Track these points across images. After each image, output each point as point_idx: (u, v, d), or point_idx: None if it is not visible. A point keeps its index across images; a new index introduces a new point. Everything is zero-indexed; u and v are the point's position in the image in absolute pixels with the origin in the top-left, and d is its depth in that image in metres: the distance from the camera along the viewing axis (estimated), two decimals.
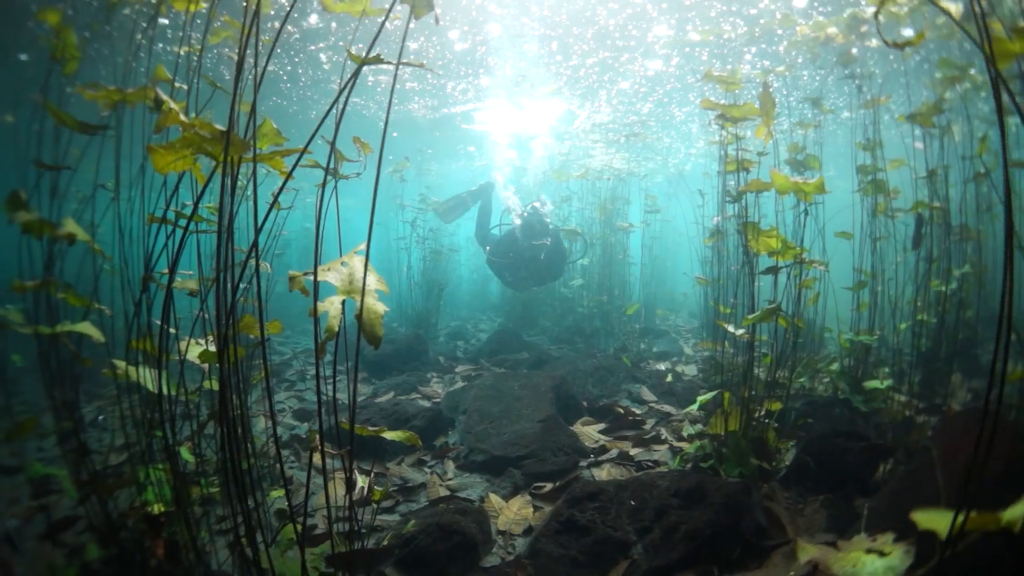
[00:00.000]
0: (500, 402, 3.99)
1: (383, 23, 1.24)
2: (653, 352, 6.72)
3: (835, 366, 4.30)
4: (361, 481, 1.98)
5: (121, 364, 1.62)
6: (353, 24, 6.06)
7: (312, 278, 1.29)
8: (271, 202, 1.29)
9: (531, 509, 2.85)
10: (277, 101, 8.82)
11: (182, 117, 1.07)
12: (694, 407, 3.23)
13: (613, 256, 7.96)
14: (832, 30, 5.09)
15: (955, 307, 3.99)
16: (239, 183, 1.49)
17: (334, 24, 6.03)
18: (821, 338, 5.05)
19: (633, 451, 3.54)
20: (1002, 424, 2.03)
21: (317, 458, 3.52)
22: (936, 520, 0.86)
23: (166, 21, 5.38)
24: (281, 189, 1.20)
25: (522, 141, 11.71)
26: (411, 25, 1.33)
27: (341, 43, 6.55)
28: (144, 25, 2.04)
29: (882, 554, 0.98)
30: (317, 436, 1.25)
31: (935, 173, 3.66)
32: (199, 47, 1.92)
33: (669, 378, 5.21)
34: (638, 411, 4.38)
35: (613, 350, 6.48)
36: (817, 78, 7.83)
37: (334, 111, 1.41)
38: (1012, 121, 3.93)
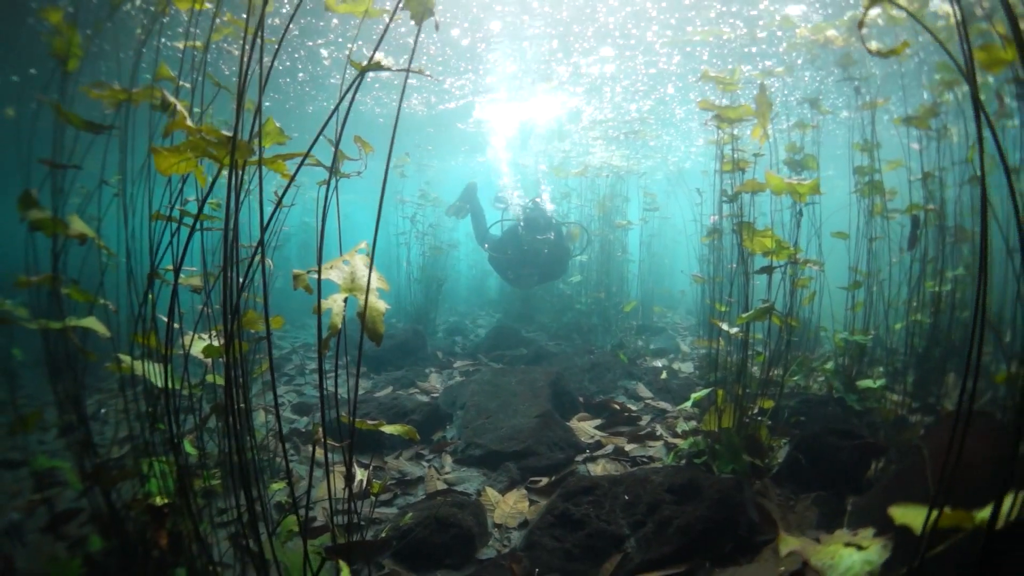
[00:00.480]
0: (497, 397, 4.04)
1: (384, 33, 1.27)
2: (650, 349, 6.76)
3: (830, 365, 4.35)
4: (360, 474, 2.02)
5: (126, 359, 1.65)
6: (355, 20, 6.08)
7: (314, 275, 1.32)
8: (276, 202, 1.32)
9: (527, 503, 2.89)
10: (275, 97, 8.83)
11: (189, 122, 1.10)
12: (688, 404, 3.27)
13: (611, 253, 7.99)
14: (832, 33, 5.10)
15: (949, 308, 4.03)
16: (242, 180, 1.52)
17: (335, 20, 6.05)
18: (816, 337, 5.10)
19: (628, 447, 3.58)
20: (992, 424, 2.07)
21: (316, 451, 3.56)
22: (912, 516, 0.90)
23: (166, 19, 5.40)
24: (285, 191, 1.23)
25: (522, 137, 11.72)
26: (411, 23, 1.35)
27: (341, 39, 6.56)
28: (145, 21, 2.06)
29: (860, 548, 1.02)
30: (320, 430, 1.29)
31: (930, 175, 3.69)
32: (199, 43, 1.94)
33: (664, 375, 5.26)
34: (634, 407, 4.42)
35: (610, 347, 6.52)
36: (817, 79, 7.85)
37: (338, 111, 1.44)
38: (1011, 123, 3.95)
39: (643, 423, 4.09)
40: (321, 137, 1.60)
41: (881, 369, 4.30)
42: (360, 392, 5.00)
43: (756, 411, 3.01)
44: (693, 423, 3.76)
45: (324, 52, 7.04)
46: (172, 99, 1.28)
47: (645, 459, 3.41)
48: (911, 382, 3.74)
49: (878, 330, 4.29)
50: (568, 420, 4.04)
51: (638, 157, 13.35)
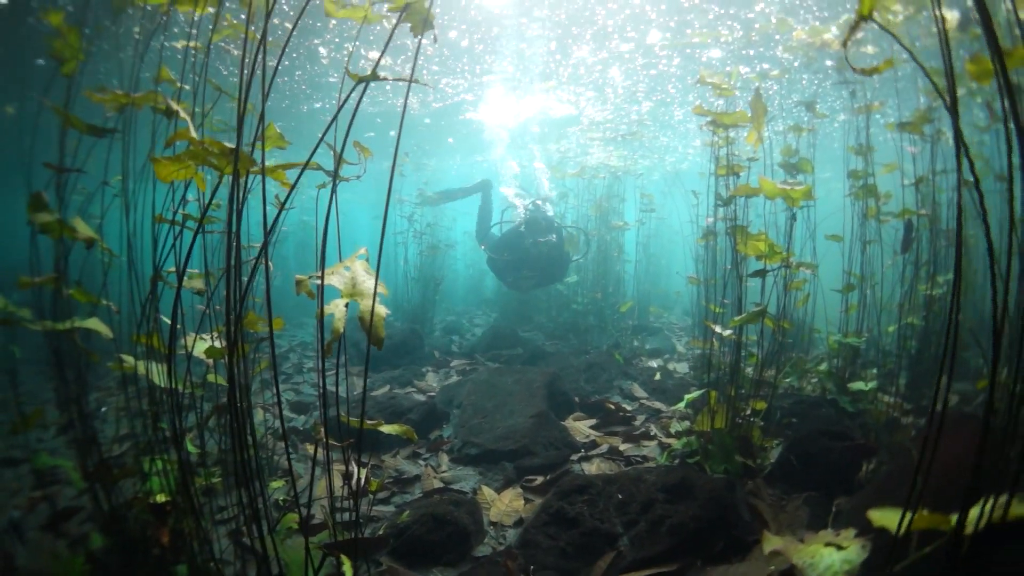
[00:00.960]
0: (494, 397, 4.07)
1: (384, 50, 1.30)
2: (646, 349, 6.80)
3: (823, 366, 4.39)
4: (358, 473, 2.05)
5: (129, 359, 1.68)
6: (353, 21, 6.09)
7: (310, 278, 1.36)
8: (279, 207, 1.35)
9: (522, 501, 2.93)
10: (270, 96, 8.86)
11: (193, 134, 1.13)
12: (682, 404, 3.31)
13: (608, 253, 8.03)
14: (828, 36, 5.16)
15: (943, 310, 4.07)
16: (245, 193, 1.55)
17: (333, 21, 6.07)
18: (810, 338, 5.14)
19: (623, 446, 3.62)
20: (979, 428, 2.12)
21: (312, 449, 3.59)
22: (889, 518, 0.94)
23: (164, 18, 5.40)
24: (287, 198, 1.26)
25: (520, 138, 11.75)
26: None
27: (338, 39, 6.57)
28: (143, 21, 2.09)
29: (840, 548, 1.05)
30: (322, 429, 1.32)
31: (922, 180, 3.74)
32: (197, 43, 1.97)
33: (658, 376, 5.29)
34: (629, 407, 4.46)
35: (606, 347, 6.56)
36: (815, 82, 7.89)
37: (340, 109, 1.47)
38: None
39: (638, 423, 4.13)
40: (318, 138, 1.63)
41: (874, 371, 4.35)
42: (357, 391, 5.03)
43: (749, 412, 3.05)
44: (687, 423, 3.80)
45: (323, 51, 7.05)
46: (176, 106, 1.31)
47: (639, 459, 3.45)
48: (903, 384, 3.78)
49: (871, 332, 4.34)
50: (564, 420, 4.08)
51: (635, 157, 13.39)
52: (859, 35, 5.20)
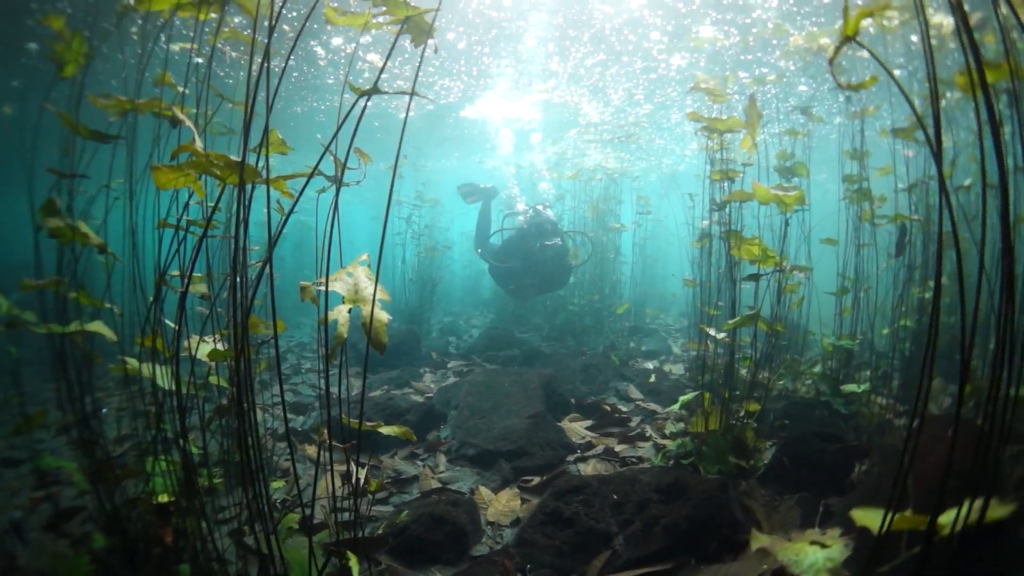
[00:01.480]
0: (491, 398, 4.10)
1: (386, 62, 1.33)
2: (642, 351, 6.84)
3: (817, 368, 4.43)
4: (358, 473, 2.08)
5: (133, 362, 1.71)
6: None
7: (313, 284, 1.39)
8: (284, 218, 1.38)
9: (519, 501, 2.96)
10: (263, 97, 8.87)
11: (198, 142, 1.16)
12: (676, 406, 3.35)
13: (604, 255, 8.07)
14: (824, 41, 5.20)
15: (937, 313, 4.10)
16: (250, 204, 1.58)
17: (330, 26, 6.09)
18: (804, 341, 5.19)
19: (618, 447, 3.66)
20: (971, 430, 2.16)
21: (312, 451, 3.62)
22: (871, 518, 0.97)
23: (162, 20, 5.41)
24: (292, 209, 1.29)
25: (519, 139, 11.78)
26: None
27: (335, 40, 6.60)
28: (140, 22, 2.11)
29: (824, 546, 1.09)
30: (325, 431, 1.36)
31: (915, 186, 3.78)
32: (195, 45, 2.00)
33: (652, 378, 5.33)
34: (625, 409, 4.50)
35: (602, 348, 6.60)
36: (813, 86, 7.94)
37: (344, 121, 1.50)
38: (1005, 130, 4.04)
39: (633, 424, 4.16)
40: (316, 141, 1.66)
41: (868, 373, 4.39)
42: (355, 392, 5.05)
43: (743, 414, 3.09)
44: (681, 425, 3.84)
45: (320, 52, 7.08)
46: (181, 115, 1.35)
47: (634, 459, 3.48)
48: (897, 386, 3.82)
49: (865, 335, 4.38)
50: (560, 421, 4.11)
51: (632, 159, 13.44)
52: (863, 28, 5.25)
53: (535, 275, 6.47)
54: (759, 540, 1.25)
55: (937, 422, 2.42)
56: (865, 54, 6.08)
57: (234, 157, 1.36)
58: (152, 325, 1.61)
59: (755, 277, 2.77)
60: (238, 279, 1.27)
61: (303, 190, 1.31)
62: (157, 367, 1.69)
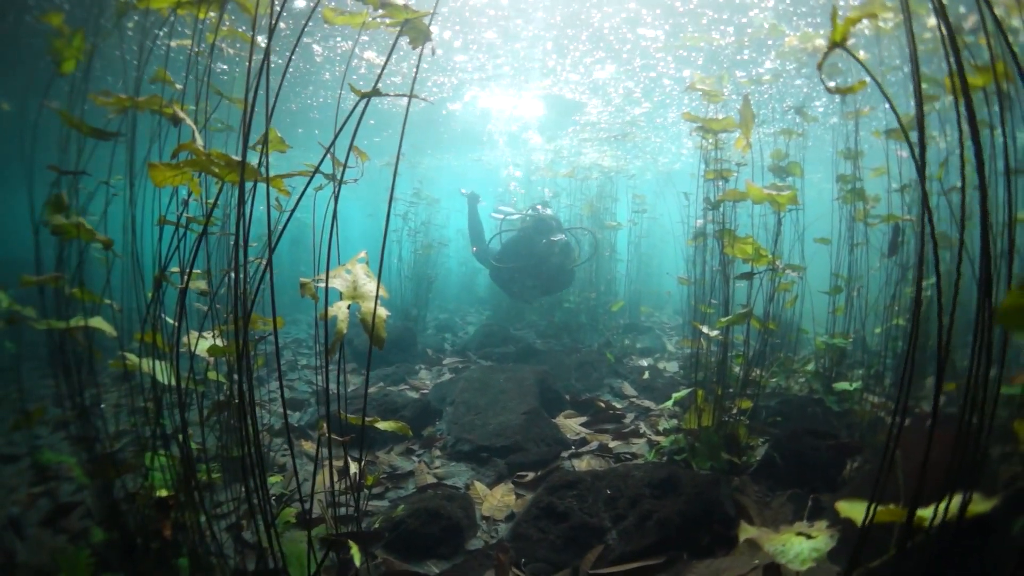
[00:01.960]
0: (486, 394, 4.13)
1: (385, 64, 1.35)
2: (636, 348, 6.88)
3: (810, 366, 4.47)
4: (353, 468, 2.11)
5: (133, 358, 1.73)
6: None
7: (312, 281, 1.41)
8: (286, 218, 1.40)
9: (513, 496, 2.99)
10: (261, 95, 8.85)
11: (200, 143, 1.17)
12: (670, 403, 3.38)
13: (600, 253, 8.09)
14: (819, 42, 5.23)
15: (930, 312, 4.14)
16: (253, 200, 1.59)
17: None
18: (798, 339, 5.23)
19: (612, 444, 3.69)
20: (951, 426, 2.20)
21: (308, 446, 3.64)
22: (855, 510, 1.00)
23: (162, 15, 5.40)
24: (295, 208, 1.32)
25: (517, 138, 11.79)
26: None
27: (337, 35, 6.60)
28: (137, 18, 2.12)
29: (810, 537, 1.12)
30: (324, 425, 1.38)
31: (907, 188, 3.83)
32: (189, 42, 2.01)
33: (646, 375, 5.36)
34: (619, 405, 4.54)
35: (597, 345, 6.63)
36: (809, 85, 7.97)
37: (344, 124, 1.52)
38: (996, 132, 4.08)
39: (627, 421, 4.20)
40: (311, 137, 1.68)
41: (861, 371, 4.44)
42: (350, 388, 5.08)
43: (735, 411, 3.12)
44: (675, 421, 3.87)
45: (317, 48, 7.07)
46: (181, 114, 1.36)
47: (628, 455, 3.52)
48: (889, 384, 3.86)
49: (858, 333, 4.42)
50: (554, 417, 4.14)
51: (629, 157, 13.47)
52: (858, 31, 5.27)
53: (540, 274, 6.29)
54: (747, 531, 1.28)
55: (924, 421, 2.46)
56: (861, 54, 6.12)
57: (234, 156, 1.38)
58: (152, 321, 1.62)
59: (748, 275, 2.81)
60: (240, 276, 1.28)
61: (304, 191, 1.33)
62: (156, 363, 1.71)
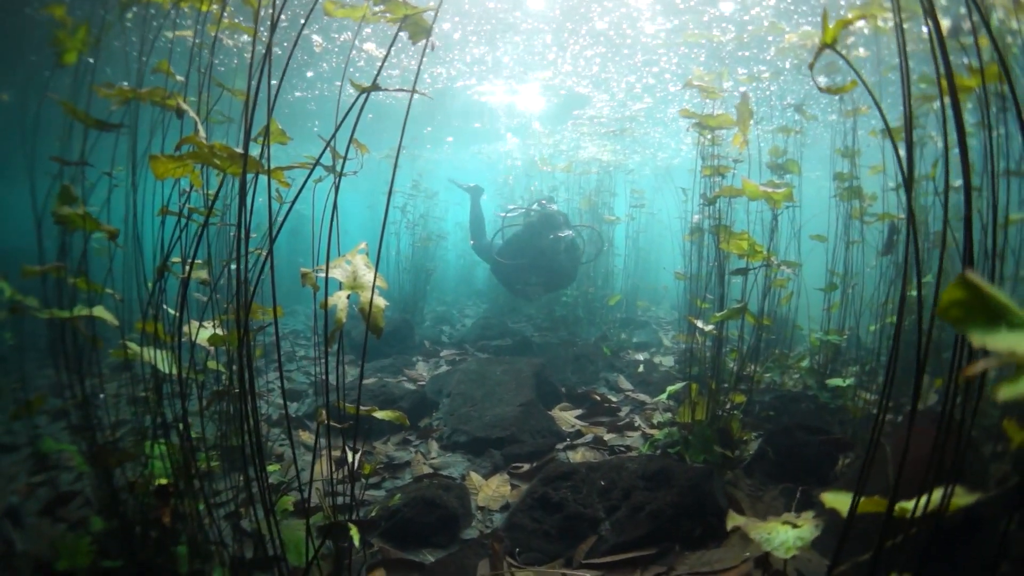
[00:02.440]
0: (483, 386, 4.16)
1: (384, 59, 1.37)
2: (633, 342, 6.91)
3: (805, 362, 4.51)
4: (355, 457, 2.14)
5: (134, 347, 1.75)
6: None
7: (313, 271, 1.43)
8: (287, 209, 1.42)
9: (509, 487, 3.03)
10: (253, 84, 8.82)
11: (202, 135, 1.19)
12: (664, 396, 3.42)
13: (598, 247, 8.10)
14: (819, 40, 5.24)
15: (928, 310, 4.16)
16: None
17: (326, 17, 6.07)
18: (793, 335, 5.27)
19: (607, 436, 3.73)
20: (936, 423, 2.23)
21: (305, 437, 3.67)
22: (839, 501, 1.04)
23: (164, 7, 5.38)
24: (295, 201, 1.34)
25: (517, 131, 11.79)
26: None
27: (336, 25, 6.58)
28: (136, 8, 2.13)
29: (795, 526, 1.15)
30: (324, 413, 1.40)
31: (899, 187, 3.85)
32: (199, 38, 2.02)
33: (641, 368, 5.39)
34: (614, 399, 4.57)
35: (594, 339, 6.66)
36: (809, 83, 7.98)
37: (344, 118, 1.54)
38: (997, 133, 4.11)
39: (622, 414, 4.24)
40: (309, 128, 1.70)
41: (855, 368, 4.48)
42: (348, 379, 5.10)
43: (729, 405, 3.16)
44: (669, 415, 3.91)
45: (317, 39, 7.05)
46: (184, 106, 1.38)
47: (623, 448, 3.56)
48: (883, 381, 3.89)
49: (853, 330, 4.46)
50: (550, 409, 4.18)
51: (628, 152, 13.47)
52: (856, 29, 5.28)
53: (546, 270, 6.14)
54: (734, 520, 1.31)
55: (920, 417, 2.49)
56: (861, 52, 6.13)
57: (235, 148, 1.40)
58: (154, 310, 1.65)
59: (743, 271, 2.83)
60: (240, 269, 1.31)
61: (304, 183, 1.35)
62: (157, 352, 1.73)
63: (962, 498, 1.12)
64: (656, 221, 11.10)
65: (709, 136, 3.18)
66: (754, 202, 4.01)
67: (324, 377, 1.34)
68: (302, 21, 6.40)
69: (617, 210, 8.68)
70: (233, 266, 2.11)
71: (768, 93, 8.48)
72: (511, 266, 6.18)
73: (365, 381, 4.95)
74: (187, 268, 1.46)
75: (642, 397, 4.63)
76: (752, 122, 2.90)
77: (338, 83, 8.89)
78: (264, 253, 1.73)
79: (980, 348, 0.35)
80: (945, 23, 4.50)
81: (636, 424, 3.96)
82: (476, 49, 7.21)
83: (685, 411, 3.18)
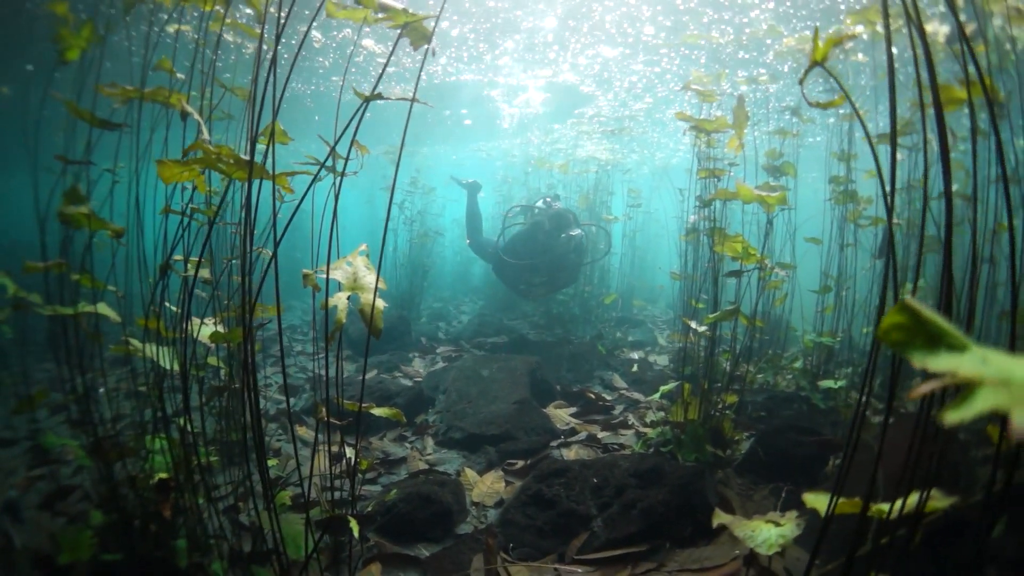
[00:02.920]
0: (478, 383, 4.20)
1: (383, 72, 1.40)
2: (628, 341, 6.95)
3: (798, 363, 4.56)
4: (348, 453, 2.17)
5: (136, 343, 1.78)
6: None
7: (315, 272, 1.47)
8: (289, 218, 1.44)
9: (503, 483, 3.07)
10: (249, 80, 8.81)
11: (207, 141, 1.22)
12: (657, 395, 3.46)
13: (595, 245, 8.13)
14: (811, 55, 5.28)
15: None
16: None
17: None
18: (787, 336, 5.32)
19: (601, 434, 3.77)
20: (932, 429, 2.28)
21: (302, 431, 3.70)
22: (819, 502, 1.07)
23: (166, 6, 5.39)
24: (299, 205, 1.37)
25: (516, 129, 11.79)
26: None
27: (335, 23, 6.58)
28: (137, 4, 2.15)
29: (778, 524, 1.19)
30: (323, 410, 1.44)
31: (900, 190, 3.90)
32: (201, 37, 2.05)
33: (635, 368, 5.43)
34: (608, 397, 4.62)
35: (589, 338, 6.70)
36: (809, 86, 8.01)
37: (349, 124, 1.57)
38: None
39: (616, 412, 4.28)
40: (308, 125, 1.73)
41: (848, 370, 4.53)
42: (345, 375, 5.13)
43: (721, 405, 3.20)
44: (662, 414, 3.95)
45: (316, 35, 7.05)
46: (189, 109, 1.41)
47: (616, 446, 3.60)
48: (877, 383, 3.94)
49: (847, 333, 4.51)
50: (545, 407, 4.22)
51: (625, 151, 13.50)
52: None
53: (554, 269, 5.98)
54: (720, 518, 1.35)
55: (904, 420, 2.54)
56: (859, 56, 6.17)
57: (237, 146, 1.42)
58: (156, 308, 1.68)
59: (736, 273, 2.87)
60: (245, 272, 1.34)
61: (307, 190, 1.38)
62: (157, 348, 1.76)
63: (940, 501, 1.16)
64: (653, 220, 11.15)
65: (705, 139, 3.21)
66: (749, 204, 4.06)
67: (323, 374, 1.38)
68: (304, 27, 6.41)
69: (615, 209, 8.71)
70: (233, 263, 2.13)
71: (768, 94, 8.52)
72: (517, 265, 6.04)
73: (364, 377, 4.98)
74: (189, 267, 1.49)
75: (636, 395, 4.68)
76: (749, 124, 2.94)
77: (334, 78, 8.89)
78: (264, 250, 1.76)
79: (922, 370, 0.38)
80: (944, 29, 4.54)
81: (630, 422, 4.00)
82: (480, 46, 7.22)
83: (678, 410, 3.22)
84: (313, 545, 1.47)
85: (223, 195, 1.48)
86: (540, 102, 9.87)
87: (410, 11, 1.36)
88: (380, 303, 1.32)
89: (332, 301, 1.29)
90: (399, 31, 1.55)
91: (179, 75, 2.05)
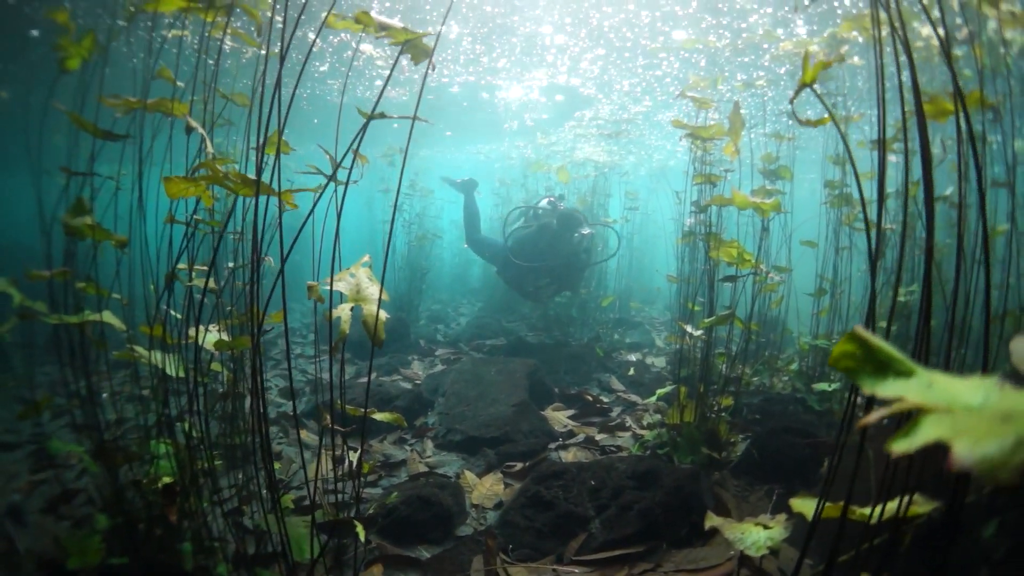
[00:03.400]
0: (477, 386, 4.24)
1: (383, 88, 1.43)
2: (626, 343, 6.98)
3: (794, 366, 4.60)
4: (350, 456, 2.21)
5: (141, 349, 1.81)
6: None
7: (320, 284, 1.50)
8: (296, 234, 1.48)
9: (502, 485, 3.11)
10: (247, 83, 8.85)
11: (209, 152, 1.25)
12: (654, 398, 3.50)
13: (595, 248, 8.17)
14: (813, 48, 5.32)
15: (917, 316, 4.24)
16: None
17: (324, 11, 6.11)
18: (783, 338, 5.36)
19: (598, 436, 3.81)
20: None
21: (303, 434, 3.73)
22: (806, 506, 1.11)
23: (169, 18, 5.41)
24: (304, 223, 1.40)
25: (516, 131, 11.83)
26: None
27: (332, 36, 6.61)
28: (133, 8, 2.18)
29: (767, 527, 1.23)
30: (327, 415, 1.47)
31: (890, 196, 3.94)
32: (195, 40, 2.08)
33: (631, 371, 5.46)
34: (606, 399, 4.65)
35: (587, 340, 6.73)
36: (807, 91, 8.06)
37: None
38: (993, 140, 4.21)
39: (614, 414, 4.32)
40: (307, 128, 1.77)
41: None
42: (346, 377, 5.16)
43: (717, 407, 3.24)
44: (659, 416, 3.99)
45: (313, 38, 7.08)
46: (194, 123, 1.44)
47: (614, 448, 3.64)
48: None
49: (842, 335, 4.54)
50: (543, 409, 4.26)
51: (623, 153, 13.54)
52: (852, 38, 5.36)
53: (564, 270, 5.86)
54: (711, 520, 1.39)
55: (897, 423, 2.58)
56: (855, 60, 6.21)
57: (239, 153, 1.46)
58: (162, 316, 1.71)
59: (731, 278, 2.91)
60: (255, 280, 1.37)
61: (315, 204, 1.42)
62: (162, 355, 1.79)
63: (922, 506, 1.20)
64: (650, 222, 11.19)
65: (701, 145, 3.25)
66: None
67: (325, 379, 1.41)
68: (301, 33, 6.45)
69: (612, 211, 8.75)
70: (238, 271, 2.17)
71: (766, 98, 8.56)
72: (519, 266, 5.91)
73: (361, 380, 5.01)
74: (194, 276, 1.52)
75: (633, 398, 4.72)
76: (746, 127, 2.97)
77: (331, 82, 8.91)
78: (269, 259, 1.79)
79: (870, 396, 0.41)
80: (941, 33, 4.58)
81: (627, 425, 4.04)
82: (477, 47, 7.25)
83: (674, 413, 3.26)
84: (319, 548, 1.50)
85: (230, 211, 1.52)
86: (539, 105, 9.91)
87: (409, 28, 1.39)
88: (383, 314, 1.36)
89: (336, 312, 1.33)
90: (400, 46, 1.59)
91: (179, 84, 2.08)
